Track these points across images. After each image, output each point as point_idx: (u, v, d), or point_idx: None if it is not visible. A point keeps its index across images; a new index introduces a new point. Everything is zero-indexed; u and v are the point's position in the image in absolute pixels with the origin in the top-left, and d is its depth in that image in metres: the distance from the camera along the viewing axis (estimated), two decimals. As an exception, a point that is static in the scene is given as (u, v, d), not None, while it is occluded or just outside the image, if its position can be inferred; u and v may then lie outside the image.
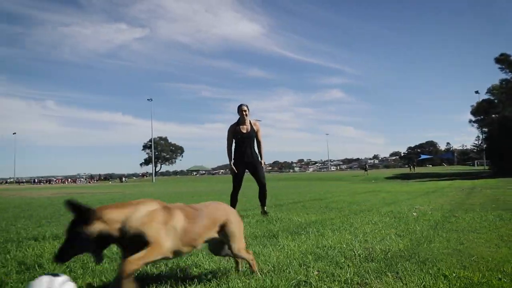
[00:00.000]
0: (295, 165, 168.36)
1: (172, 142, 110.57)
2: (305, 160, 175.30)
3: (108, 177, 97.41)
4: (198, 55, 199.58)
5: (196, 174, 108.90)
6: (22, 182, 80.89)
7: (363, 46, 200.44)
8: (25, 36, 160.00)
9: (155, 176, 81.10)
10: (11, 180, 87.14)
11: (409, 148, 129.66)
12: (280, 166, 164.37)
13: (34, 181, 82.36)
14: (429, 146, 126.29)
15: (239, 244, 2.52)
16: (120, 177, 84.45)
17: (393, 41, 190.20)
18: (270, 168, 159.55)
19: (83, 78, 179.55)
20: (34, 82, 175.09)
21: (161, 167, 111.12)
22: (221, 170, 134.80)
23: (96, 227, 1.96)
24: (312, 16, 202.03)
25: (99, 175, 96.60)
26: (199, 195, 11.83)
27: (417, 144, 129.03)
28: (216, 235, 2.45)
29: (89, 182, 76.72)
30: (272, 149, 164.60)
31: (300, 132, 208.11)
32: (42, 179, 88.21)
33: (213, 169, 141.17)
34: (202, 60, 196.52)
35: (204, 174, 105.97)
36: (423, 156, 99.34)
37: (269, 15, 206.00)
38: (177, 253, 2.21)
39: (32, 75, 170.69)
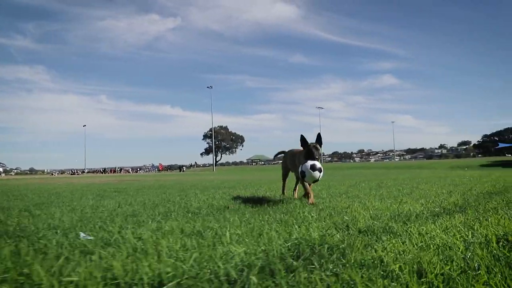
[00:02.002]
0: (355, 155, 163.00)
1: (233, 131, 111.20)
2: (365, 150, 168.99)
3: (169, 168, 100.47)
4: (233, 43, 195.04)
5: (255, 165, 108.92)
6: (91, 172, 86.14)
7: (415, 22, 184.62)
8: (65, 31, 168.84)
9: (215, 166, 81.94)
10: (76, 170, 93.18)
11: (485, 136, 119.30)
12: (340, 157, 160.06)
13: (104, 171, 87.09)
14: (509, 134, 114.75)
15: None
16: (179, 167, 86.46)
17: (451, 16, 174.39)
18: (329, 158, 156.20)
19: (126, 71, 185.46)
20: (82, 77, 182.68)
21: (221, 156, 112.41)
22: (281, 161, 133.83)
23: None
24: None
25: (160, 165, 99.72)
26: (254, 182, 10.84)
27: (493, 131, 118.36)
28: None
29: (149, 172, 79.57)
30: (329, 139, 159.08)
31: (354, 122, 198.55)
32: (110, 169, 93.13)
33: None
34: (238, 49, 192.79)
35: (264, 164, 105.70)
36: (501, 145, 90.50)
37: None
38: None
39: (74, 69, 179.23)
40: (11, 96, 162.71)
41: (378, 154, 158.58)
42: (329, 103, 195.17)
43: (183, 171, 69.74)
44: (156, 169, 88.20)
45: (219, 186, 9.84)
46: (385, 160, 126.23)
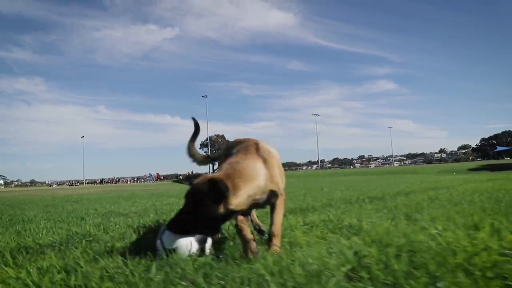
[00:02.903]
0: (355, 161, 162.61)
1: (230, 140, 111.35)
2: (365, 156, 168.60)
3: (166, 177, 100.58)
4: (230, 51, 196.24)
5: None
6: (91, 183, 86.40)
7: (410, 29, 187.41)
8: (62, 43, 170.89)
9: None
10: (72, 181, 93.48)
11: (483, 139, 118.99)
12: (340, 163, 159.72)
13: (102, 182, 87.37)
14: (507, 137, 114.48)
15: None
16: (176, 176, 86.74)
17: (446, 21, 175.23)
18: (330, 165, 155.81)
19: (124, 81, 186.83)
20: (78, 87, 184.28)
21: (219, 165, 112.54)
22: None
23: None
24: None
25: (157, 174, 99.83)
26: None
27: (491, 135, 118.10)
28: None
29: (144, 182, 79.75)
30: (329, 145, 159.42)
31: (352, 128, 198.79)
32: (108, 179, 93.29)
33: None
34: (235, 56, 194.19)
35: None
36: (499, 148, 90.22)
37: (300, 0, 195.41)
38: None
39: (72, 80, 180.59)
40: (10, 108, 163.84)
41: (379, 160, 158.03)
42: (327, 109, 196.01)
43: (180, 180, 69.89)
44: (153, 179, 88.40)
45: (167, 195, 10.05)
46: (385, 166, 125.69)
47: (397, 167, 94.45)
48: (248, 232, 2.50)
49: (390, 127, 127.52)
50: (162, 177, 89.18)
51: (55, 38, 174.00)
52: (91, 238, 3.28)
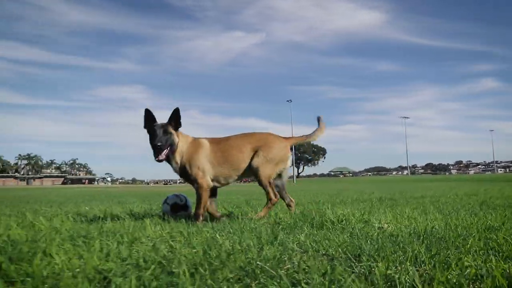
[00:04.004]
0: (451, 167, 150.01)
1: (315, 144, 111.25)
2: (463, 161, 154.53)
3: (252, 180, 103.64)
4: (316, 54, 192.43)
5: (343, 176, 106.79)
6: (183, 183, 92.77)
7: None
8: (158, 53, 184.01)
9: (296, 178, 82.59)
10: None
11: None
12: (434, 168, 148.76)
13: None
14: None
15: None
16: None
17: None
18: (422, 170, 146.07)
19: (214, 87, 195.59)
20: (174, 94, 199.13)
21: (303, 168, 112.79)
22: (368, 173, 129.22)
23: None
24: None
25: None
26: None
27: None
28: None
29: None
30: (421, 150, 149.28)
31: (448, 131, 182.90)
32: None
33: (360, 172, 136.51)
34: (322, 60, 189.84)
35: (348, 175, 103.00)
36: None
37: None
38: None
39: (168, 87, 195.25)
40: (115, 114, 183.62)
41: (479, 166, 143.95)
42: (420, 111, 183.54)
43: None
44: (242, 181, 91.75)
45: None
46: (486, 173, 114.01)
47: (501, 174, 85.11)
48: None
49: (492, 130, 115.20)
50: (248, 180, 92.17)
51: (153, 50, 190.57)
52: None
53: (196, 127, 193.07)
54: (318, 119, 4.43)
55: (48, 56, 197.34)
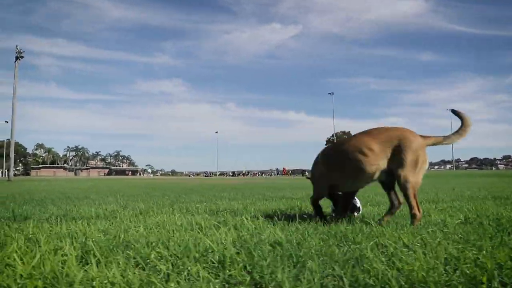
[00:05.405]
0: (499, 162, 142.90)
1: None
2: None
3: (292, 172, 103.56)
4: (356, 45, 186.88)
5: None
6: (221, 175, 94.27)
7: None
8: (196, 47, 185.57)
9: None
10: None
11: None
12: (479, 163, 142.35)
13: (233, 174, 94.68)
14: None
15: None
16: (302, 172, 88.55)
17: None
18: (466, 165, 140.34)
19: (251, 79, 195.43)
20: (211, 87, 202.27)
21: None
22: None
23: None
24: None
25: (283, 169, 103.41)
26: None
27: None
28: None
29: (274, 175, 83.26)
30: (465, 144, 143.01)
31: (495, 124, 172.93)
32: (240, 172, 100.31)
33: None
34: (361, 51, 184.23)
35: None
36: None
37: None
38: None
39: (205, 80, 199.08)
40: (155, 107, 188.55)
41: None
42: (466, 103, 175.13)
43: (305, 175, 71.55)
44: (280, 173, 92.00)
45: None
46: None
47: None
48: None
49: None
50: (290, 171, 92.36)
51: (190, 44, 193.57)
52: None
53: (233, 119, 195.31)
54: (458, 114, 3.44)
55: (91, 52, 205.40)
